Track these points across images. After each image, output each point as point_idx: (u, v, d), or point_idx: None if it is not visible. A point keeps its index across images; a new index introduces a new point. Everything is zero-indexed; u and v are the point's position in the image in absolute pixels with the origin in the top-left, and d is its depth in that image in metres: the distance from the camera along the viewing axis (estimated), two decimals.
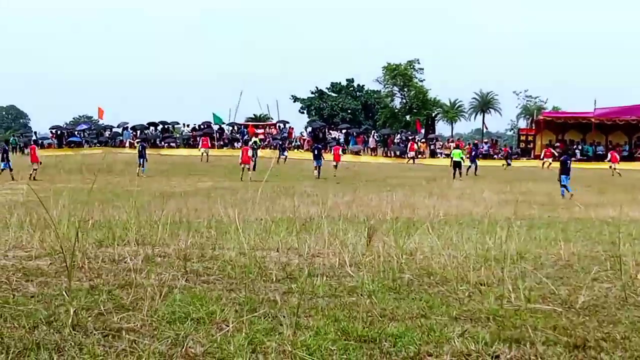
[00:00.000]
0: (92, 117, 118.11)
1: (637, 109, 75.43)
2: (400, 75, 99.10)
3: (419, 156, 75.36)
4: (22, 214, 13.63)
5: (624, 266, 8.10)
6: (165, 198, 19.32)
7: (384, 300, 6.53)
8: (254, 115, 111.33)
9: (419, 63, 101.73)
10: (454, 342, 5.30)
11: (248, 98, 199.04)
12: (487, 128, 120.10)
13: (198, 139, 74.19)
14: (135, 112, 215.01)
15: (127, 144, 75.64)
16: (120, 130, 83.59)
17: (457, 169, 46.61)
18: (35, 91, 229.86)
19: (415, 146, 75.48)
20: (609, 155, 62.95)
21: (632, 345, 5.40)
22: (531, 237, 11.54)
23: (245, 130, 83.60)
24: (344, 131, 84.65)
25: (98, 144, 79.51)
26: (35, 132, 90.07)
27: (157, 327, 5.49)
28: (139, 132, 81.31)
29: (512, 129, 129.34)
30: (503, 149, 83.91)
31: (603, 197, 30.02)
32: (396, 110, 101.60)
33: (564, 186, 31.36)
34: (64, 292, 6.28)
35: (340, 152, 51.72)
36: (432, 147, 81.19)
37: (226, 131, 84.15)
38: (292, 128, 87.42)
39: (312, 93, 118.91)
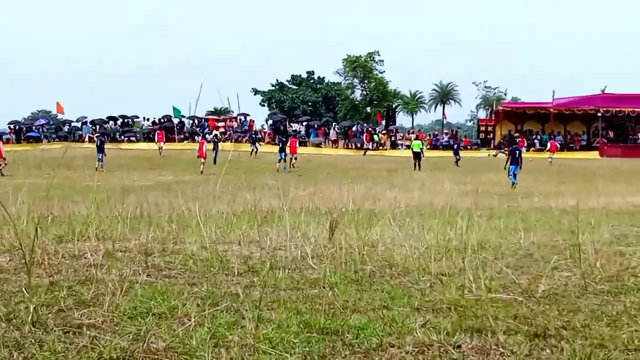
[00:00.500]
0: (50, 112, 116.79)
1: (594, 99, 76.38)
2: (361, 67, 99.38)
3: (380, 147, 75.68)
4: None
5: (583, 255, 8.18)
6: (125, 193, 19.19)
7: (346, 292, 6.55)
8: (215, 108, 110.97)
9: (379, 55, 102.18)
10: (416, 333, 5.33)
11: (208, 91, 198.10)
12: (447, 119, 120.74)
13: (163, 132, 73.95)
14: (96, 105, 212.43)
15: (87, 139, 74.93)
16: (79, 124, 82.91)
17: (417, 160, 46.76)
18: None
19: (375, 137, 75.81)
20: (549, 144, 63.68)
21: (592, 333, 5.46)
22: (491, 227, 11.61)
23: (206, 123, 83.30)
24: (304, 124, 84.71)
25: (57, 139, 78.76)
26: None
27: (118, 322, 5.46)
28: (98, 126, 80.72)
29: (472, 120, 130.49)
30: (463, 139, 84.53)
31: (562, 186, 30.32)
32: (357, 102, 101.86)
33: (513, 175, 31.74)
34: (23, 289, 6.21)
35: (297, 145, 51.59)
36: (392, 138, 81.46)
37: (187, 125, 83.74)
38: (253, 121, 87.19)
39: (272, 86, 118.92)
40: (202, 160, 40.54)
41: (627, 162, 59.31)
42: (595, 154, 70.93)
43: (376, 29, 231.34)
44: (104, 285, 6.48)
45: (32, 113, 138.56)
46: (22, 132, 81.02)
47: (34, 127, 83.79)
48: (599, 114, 75.41)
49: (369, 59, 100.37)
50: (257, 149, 64.06)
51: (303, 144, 67.29)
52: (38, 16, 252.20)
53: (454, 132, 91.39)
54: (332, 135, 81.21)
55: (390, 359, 4.97)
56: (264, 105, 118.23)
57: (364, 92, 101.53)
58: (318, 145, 77.11)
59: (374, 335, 5.26)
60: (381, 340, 5.18)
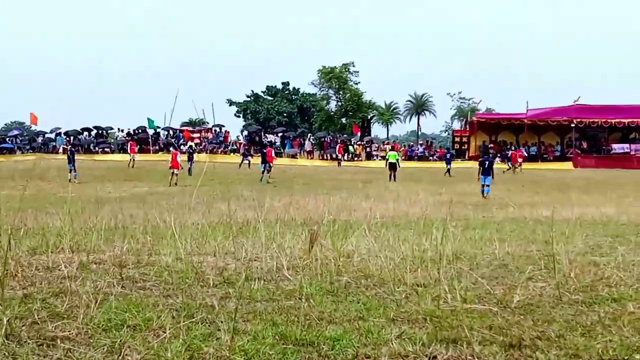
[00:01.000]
0: (24, 123, 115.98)
1: (568, 110, 76.92)
2: (336, 78, 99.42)
3: (355, 158, 75.85)
4: None
5: (558, 265, 8.23)
6: (100, 204, 19.12)
7: (322, 303, 6.55)
8: (190, 119, 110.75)
9: (353, 66, 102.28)
10: (392, 344, 5.34)
11: (183, 102, 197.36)
12: (421, 130, 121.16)
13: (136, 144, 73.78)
14: (70, 115, 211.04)
15: (61, 150, 74.49)
16: (53, 135, 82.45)
17: (392, 170, 46.82)
18: None
19: (351, 148, 76.03)
20: (509, 153, 64.50)
21: (566, 343, 5.49)
22: (466, 238, 11.65)
23: (181, 134, 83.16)
24: (280, 134, 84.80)
25: (31, 150, 78.28)
26: None
27: (92, 335, 5.42)
28: (72, 137, 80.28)
29: (447, 131, 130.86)
30: (438, 150, 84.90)
31: (536, 197, 30.46)
32: (332, 113, 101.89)
33: (484, 185, 31.87)
34: None
35: (273, 154, 51.56)
36: (368, 149, 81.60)
37: (162, 136, 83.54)
38: (228, 132, 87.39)
39: (247, 97, 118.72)
40: (176, 171, 40.30)
41: (601, 172, 59.73)
42: (569, 165, 71.37)
43: (351, 40, 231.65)
44: (78, 297, 6.44)
45: (5, 124, 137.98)
46: None
47: (7, 139, 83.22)
48: (573, 125, 75.95)
49: (343, 70, 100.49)
50: (249, 162, 63.86)
51: (278, 154, 67.22)
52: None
53: (429, 143, 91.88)
54: (308, 146, 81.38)
55: None
56: (239, 116, 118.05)
57: (339, 103, 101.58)
58: (293, 156, 77.19)
59: (350, 347, 5.26)
60: (357, 352, 5.18)
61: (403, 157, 61.43)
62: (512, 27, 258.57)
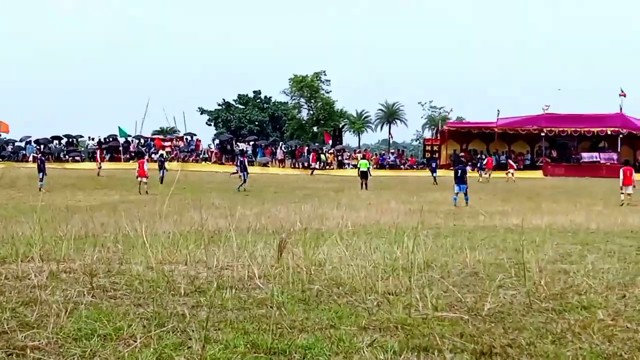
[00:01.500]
0: None
1: (538, 119, 77.44)
2: (307, 86, 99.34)
3: (327, 167, 75.93)
4: None
5: (528, 273, 8.29)
6: (70, 213, 18.98)
7: (294, 312, 6.55)
8: (161, 128, 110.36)
9: (325, 74, 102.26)
10: (363, 352, 5.35)
11: (154, 110, 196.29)
12: (393, 138, 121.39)
13: (104, 152, 73.39)
14: (40, 124, 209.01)
15: (31, 158, 73.86)
16: (23, 144, 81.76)
17: (364, 179, 46.87)
18: None
19: (322, 157, 76.20)
20: (486, 161, 64.98)
21: (537, 350, 5.53)
22: (438, 246, 11.69)
23: (152, 143, 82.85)
24: (251, 143, 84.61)
25: (0, 159, 77.56)
26: None
27: (62, 344, 5.39)
28: (42, 146, 79.68)
29: (418, 139, 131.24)
30: (409, 159, 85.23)
31: (507, 205, 30.61)
32: (303, 122, 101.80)
33: (456, 194, 32.02)
34: None
35: (247, 163, 51.59)
36: (339, 158, 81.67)
37: (132, 144, 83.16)
38: (200, 140, 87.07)
39: (219, 105, 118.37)
40: (144, 179, 40.04)
41: (570, 181, 60.12)
42: (539, 173, 71.80)
43: (323, 49, 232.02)
44: (48, 306, 6.41)
45: None
46: None
47: None
48: (543, 134, 76.51)
49: (315, 79, 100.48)
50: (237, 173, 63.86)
51: (250, 163, 67.16)
52: None
53: (400, 151, 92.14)
54: (279, 154, 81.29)
55: None
56: (210, 125, 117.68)
57: (311, 112, 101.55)
58: (265, 164, 77.05)
59: (322, 355, 5.26)
60: None
61: (374, 166, 61.63)
62: (483, 36, 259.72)
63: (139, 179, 40.40)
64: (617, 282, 8.53)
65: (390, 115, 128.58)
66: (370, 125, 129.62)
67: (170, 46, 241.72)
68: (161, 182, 43.56)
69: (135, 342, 5.39)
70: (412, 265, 8.31)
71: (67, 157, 78.92)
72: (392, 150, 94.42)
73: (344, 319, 6.34)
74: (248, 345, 5.45)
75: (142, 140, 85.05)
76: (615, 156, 75.22)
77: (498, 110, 79.68)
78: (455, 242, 12.55)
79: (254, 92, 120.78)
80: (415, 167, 79.91)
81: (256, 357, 5.19)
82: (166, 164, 51.05)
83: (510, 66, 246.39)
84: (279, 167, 78.21)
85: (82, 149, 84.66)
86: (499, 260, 10.31)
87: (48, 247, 10.05)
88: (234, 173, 59.64)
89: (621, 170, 33.89)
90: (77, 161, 76.90)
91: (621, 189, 33.07)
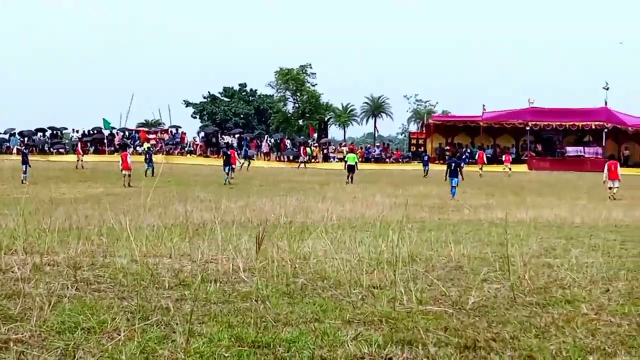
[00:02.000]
0: None
1: (523, 113, 77.70)
2: (293, 79, 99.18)
3: (312, 160, 75.95)
4: None
5: (512, 267, 8.30)
6: (54, 205, 18.90)
7: (278, 305, 6.55)
8: (145, 120, 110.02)
9: (311, 67, 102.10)
10: (348, 346, 5.35)
11: (139, 103, 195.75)
12: (378, 132, 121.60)
13: (88, 144, 73.10)
14: (24, 117, 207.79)
15: (15, 151, 73.49)
16: (7, 136, 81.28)
17: (350, 172, 46.88)
18: None
19: (308, 150, 76.22)
20: (477, 155, 65.15)
21: (520, 344, 5.54)
22: (422, 240, 11.70)
23: (137, 135, 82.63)
24: (237, 136, 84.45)
25: None
26: None
27: (46, 337, 5.37)
28: (26, 138, 79.26)
29: (403, 133, 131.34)
30: (395, 152, 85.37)
31: (492, 199, 30.68)
32: (289, 115, 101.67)
33: (453, 187, 32.08)
34: None
35: (236, 155, 51.57)
36: (325, 151, 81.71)
37: (117, 137, 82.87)
38: (185, 133, 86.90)
39: (204, 98, 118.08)
40: (128, 172, 39.87)
41: (555, 175, 60.36)
42: (524, 167, 72.03)
43: (310, 42, 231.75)
44: (31, 299, 6.38)
45: None
46: None
47: None
48: (528, 128, 76.78)
49: (301, 72, 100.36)
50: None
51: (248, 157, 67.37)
52: None
53: (386, 145, 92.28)
54: (265, 147, 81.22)
55: None
56: (195, 118, 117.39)
57: (296, 105, 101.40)
58: (250, 157, 76.98)
59: (306, 349, 5.26)
60: (313, 354, 5.18)
61: (360, 159, 61.69)
62: (469, 31, 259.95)
63: (123, 172, 40.27)
64: (600, 276, 8.56)
65: (376, 108, 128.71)
66: (356, 118, 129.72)
67: (155, 39, 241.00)
68: (147, 175, 43.43)
69: (119, 335, 5.38)
70: (396, 259, 8.32)
71: (51, 149, 78.52)
72: (378, 144, 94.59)
73: (329, 313, 6.34)
74: (232, 339, 5.44)
75: (126, 133, 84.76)
76: (600, 150, 75.59)
77: (484, 105, 79.99)
78: (439, 235, 12.57)
79: (240, 84, 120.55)
80: (400, 160, 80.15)
81: (240, 351, 5.18)
82: (153, 156, 50.97)
83: (500, 60, 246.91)
84: (264, 160, 78.17)
85: (67, 141, 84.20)
86: (483, 254, 10.33)
87: (31, 239, 10.01)
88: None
89: (606, 165, 34.03)
90: (62, 153, 76.47)
91: (605, 182, 33.20)
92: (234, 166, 46.08)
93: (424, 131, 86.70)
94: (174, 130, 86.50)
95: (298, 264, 8.59)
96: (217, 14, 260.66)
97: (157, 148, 76.38)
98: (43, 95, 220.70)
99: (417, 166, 69.17)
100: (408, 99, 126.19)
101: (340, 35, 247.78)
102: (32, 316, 5.79)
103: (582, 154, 76.73)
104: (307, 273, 8.17)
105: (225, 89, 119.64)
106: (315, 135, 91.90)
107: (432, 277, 7.82)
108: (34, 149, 73.36)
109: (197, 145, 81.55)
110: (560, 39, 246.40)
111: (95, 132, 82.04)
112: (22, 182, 38.64)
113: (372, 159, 79.17)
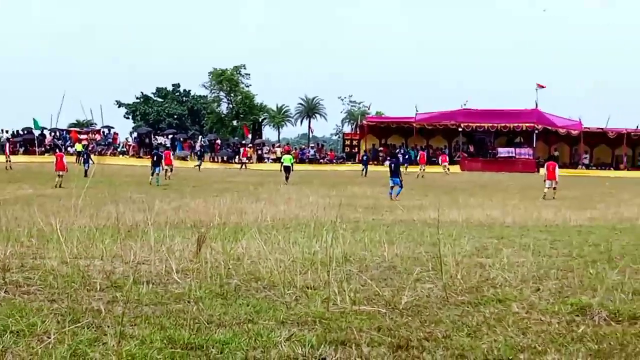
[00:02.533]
0: None
1: (456, 114, 78.55)
2: (227, 80, 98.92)
3: (247, 161, 75.87)
4: None
5: (445, 266, 8.39)
6: None
7: (211, 307, 6.52)
8: (77, 120, 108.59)
9: (245, 68, 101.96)
10: (281, 347, 5.35)
11: (70, 103, 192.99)
12: (313, 132, 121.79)
13: (18, 145, 71.86)
14: None
15: None
16: None
17: (287, 173, 46.93)
18: None
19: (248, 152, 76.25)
20: (419, 156, 65.70)
21: (453, 343, 5.60)
22: (356, 240, 11.75)
23: (68, 135, 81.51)
24: (170, 136, 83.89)
25: None
26: None
27: None
28: None
29: (338, 134, 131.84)
30: (329, 153, 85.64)
31: (425, 199, 30.91)
32: (223, 116, 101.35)
33: (391, 187, 32.20)
34: None
35: (171, 157, 51.18)
36: (259, 152, 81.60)
37: (48, 137, 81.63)
38: (117, 133, 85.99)
39: (137, 98, 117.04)
40: (61, 173, 39.27)
41: (487, 175, 61.08)
42: (456, 168, 72.78)
43: (242, 42, 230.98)
44: None
45: None
46: None
47: None
48: (460, 129, 77.65)
49: (235, 73, 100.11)
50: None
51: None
52: None
53: (320, 145, 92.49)
54: (198, 148, 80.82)
55: None
56: (128, 118, 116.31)
57: (230, 106, 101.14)
58: (184, 158, 76.45)
59: (239, 350, 5.25)
60: (246, 355, 5.17)
61: (295, 160, 61.76)
62: (402, 33, 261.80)
63: (57, 172, 39.68)
64: (531, 275, 8.70)
65: (310, 109, 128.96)
66: (290, 119, 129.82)
67: (87, 38, 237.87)
68: (85, 176, 42.87)
69: (49, 338, 5.31)
70: (330, 260, 8.34)
71: None
72: (312, 145, 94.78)
73: (262, 314, 6.34)
74: (165, 341, 5.41)
75: (57, 133, 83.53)
76: (530, 151, 76.83)
77: (416, 106, 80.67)
78: (373, 236, 12.63)
79: (173, 85, 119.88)
80: (334, 161, 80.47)
81: (173, 353, 5.15)
82: (90, 157, 50.51)
83: (431, 62, 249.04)
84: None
85: None
86: (416, 254, 10.42)
87: None
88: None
89: (545, 165, 35.10)
90: None
91: (545, 182, 33.92)
92: (167, 167, 45.68)
93: (358, 132, 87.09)
94: (106, 131, 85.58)
95: (232, 265, 8.57)
96: (149, 13, 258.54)
97: (90, 149, 75.51)
98: None
99: (351, 167, 69.70)
100: (342, 100, 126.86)
101: (274, 36, 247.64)
102: None
103: (514, 155, 77.81)
104: (240, 274, 8.16)
105: (158, 90, 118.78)
106: (250, 136, 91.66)
107: (365, 278, 7.86)
108: None
109: (129, 145, 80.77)
110: (494, 41, 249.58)
111: (25, 132, 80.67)
112: None
113: (307, 160, 79.28)
